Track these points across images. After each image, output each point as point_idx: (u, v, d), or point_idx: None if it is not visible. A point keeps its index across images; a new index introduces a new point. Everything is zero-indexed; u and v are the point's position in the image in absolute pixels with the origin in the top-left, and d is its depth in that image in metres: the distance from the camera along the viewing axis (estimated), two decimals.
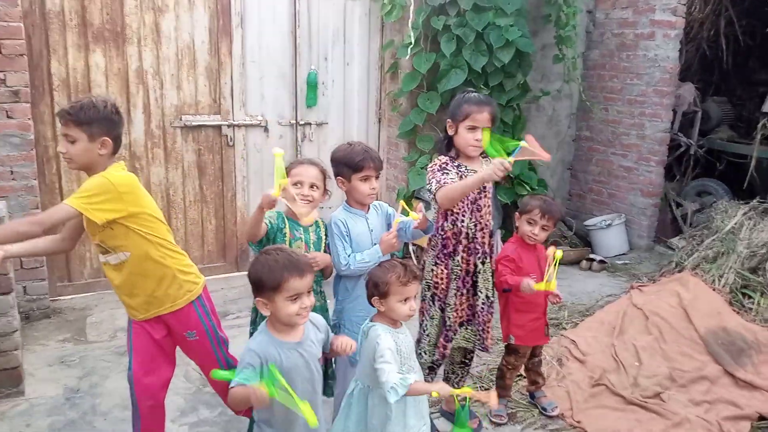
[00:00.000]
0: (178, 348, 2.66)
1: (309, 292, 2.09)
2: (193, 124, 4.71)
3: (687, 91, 6.30)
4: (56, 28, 4.14)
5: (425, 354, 2.94)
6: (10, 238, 2.29)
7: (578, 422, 3.21)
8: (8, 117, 3.82)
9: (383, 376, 2.12)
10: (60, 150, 2.32)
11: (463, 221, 2.81)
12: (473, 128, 2.71)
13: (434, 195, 2.73)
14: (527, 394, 3.40)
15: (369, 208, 2.75)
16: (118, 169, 2.39)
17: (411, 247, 5.03)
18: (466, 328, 2.94)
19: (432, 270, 2.89)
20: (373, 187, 2.68)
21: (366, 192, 2.67)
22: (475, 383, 3.51)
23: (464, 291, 2.88)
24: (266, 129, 5.05)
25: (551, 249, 2.84)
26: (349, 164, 2.63)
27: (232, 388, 2.02)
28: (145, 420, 2.57)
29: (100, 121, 2.32)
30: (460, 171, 2.77)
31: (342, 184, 2.69)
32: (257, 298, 2.09)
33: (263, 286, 2.04)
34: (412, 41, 4.92)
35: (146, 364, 2.53)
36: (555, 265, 2.79)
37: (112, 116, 2.38)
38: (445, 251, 2.85)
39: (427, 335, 2.93)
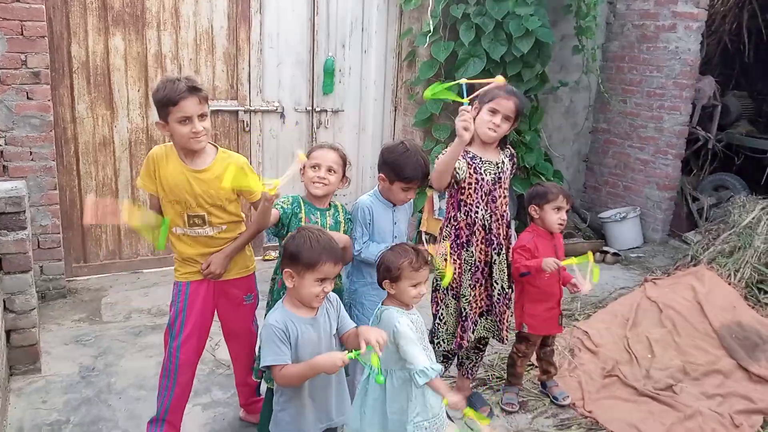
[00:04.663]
0: None
1: (332, 279, 2.13)
2: (211, 109, 4.71)
3: (707, 84, 6.23)
4: (77, 11, 4.17)
5: (443, 342, 2.93)
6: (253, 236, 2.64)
7: (590, 412, 3.21)
8: (28, 98, 3.86)
9: (412, 358, 2.14)
10: (197, 130, 2.42)
11: (477, 212, 2.80)
12: (494, 112, 2.71)
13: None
14: (539, 383, 3.41)
15: None
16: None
17: (424, 236, 5.03)
18: (486, 318, 2.95)
19: (444, 260, 2.89)
20: (411, 197, 2.71)
21: (403, 199, 2.70)
22: (486, 371, 3.52)
23: (483, 281, 2.89)
24: (282, 115, 5.06)
25: (589, 254, 2.88)
26: (397, 173, 2.62)
27: (279, 368, 2.05)
28: (178, 388, 2.62)
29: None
30: (474, 162, 2.76)
31: (382, 180, 2.68)
32: (287, 270, 2.11)
33: (298, 260, 2.07)
34: (431, 29, 4.90)
35: (195, 335, 2.61)
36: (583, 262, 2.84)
37: None
38: (458, 241, 2.85)
39: (444, 323, 2.92)
